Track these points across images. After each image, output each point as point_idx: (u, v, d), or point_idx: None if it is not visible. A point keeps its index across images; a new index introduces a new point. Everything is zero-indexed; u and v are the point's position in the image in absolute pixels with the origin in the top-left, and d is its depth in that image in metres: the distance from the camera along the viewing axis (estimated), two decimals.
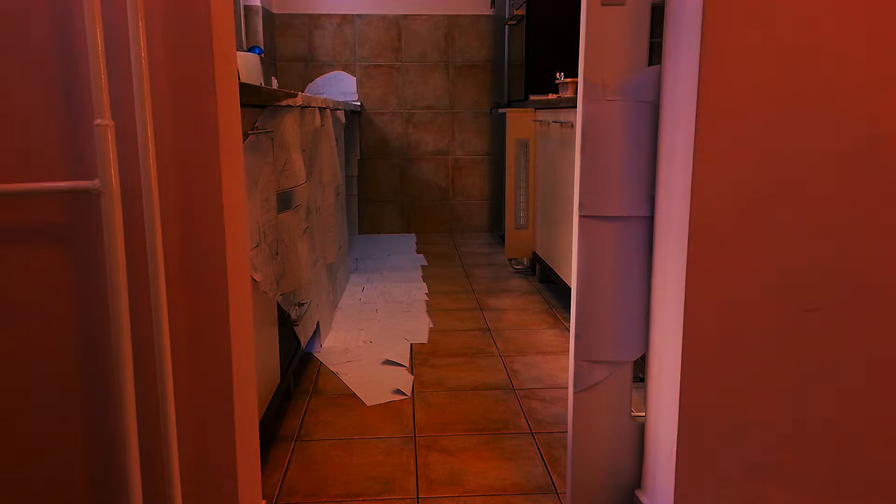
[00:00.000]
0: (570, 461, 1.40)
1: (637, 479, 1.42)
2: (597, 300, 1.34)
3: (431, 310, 2.95)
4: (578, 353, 1.36)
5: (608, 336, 1.35)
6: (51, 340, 1.09)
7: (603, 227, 1.32)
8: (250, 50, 3.37)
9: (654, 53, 1.33)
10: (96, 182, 1.00)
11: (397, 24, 4.56)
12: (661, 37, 1.25)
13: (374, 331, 2.67)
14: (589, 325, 1.35)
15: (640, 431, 1.39)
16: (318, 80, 4.52)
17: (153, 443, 1.12)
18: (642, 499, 1.37)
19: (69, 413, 1.11)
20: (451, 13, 4.56)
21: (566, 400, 2.02)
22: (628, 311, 1.34)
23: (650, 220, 1.32)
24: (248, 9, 3.77)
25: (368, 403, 2.02)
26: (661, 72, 1.26)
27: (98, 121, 0.98)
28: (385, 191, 4.74)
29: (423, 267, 3.77)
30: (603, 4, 1.25)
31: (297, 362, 2.08)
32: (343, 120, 3.10)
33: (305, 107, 2.16)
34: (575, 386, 1.37)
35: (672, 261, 1.21)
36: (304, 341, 2.12)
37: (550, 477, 1.60)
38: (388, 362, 2.35)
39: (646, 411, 1.36)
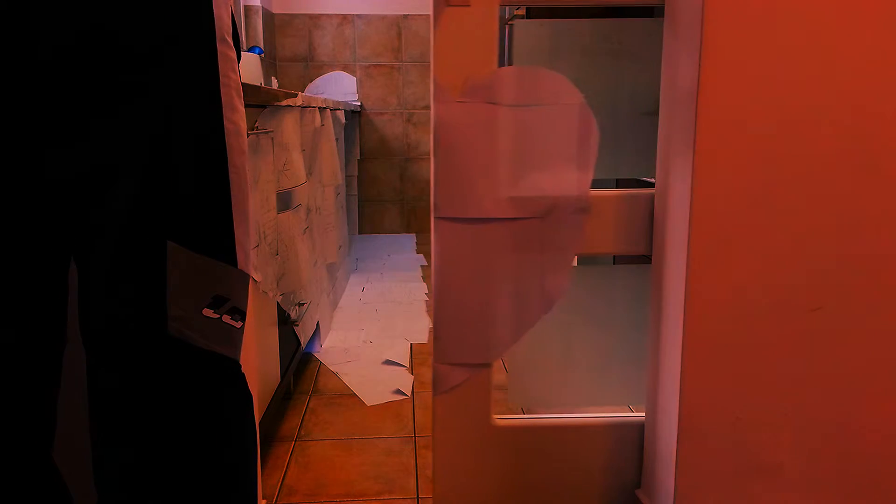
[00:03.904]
0: (434, 464, 1.39)
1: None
2: (454, 302, 1.33)
3: (431, 310, 2.95)
4: (437, 355, 1.35)
5: (466, 338, 1.34)
6: None
7: (458, 228, 1.30)
8: (250, 50, 3.37)
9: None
10: None
11: (397, 24, 4.56)
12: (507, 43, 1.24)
13: (374, 331, 2.67)
14: (446, 328, 1.33)
15: (640, 431, 1.39)
16: (318, 80, 4.52)
17: None
18: (642, 499, 1.37)
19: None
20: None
21: None
22: (487, 313, 1.33)
23: (518, 221, 1.30)
24: (248, 9, 3.77)
25: (368, 403, 2.02)
26: (662, 73, 1.25)
27: None
28: (385, 191, 4.74)
29: (423, 267, 3.77)
30: (448, 5, 1.24)
31: (297, 362, 2.08)
32: (343, 120, 3.10)
33: (305, 107, 2.16)
34: (435, 388, 1.36)
35: (673, 261, 1.21)
36: (304, 341, 2.12)
37: None
38: (388, 362, 2.35)
39: (646, 411, 1.36)
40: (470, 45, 1.25)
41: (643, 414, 1.37)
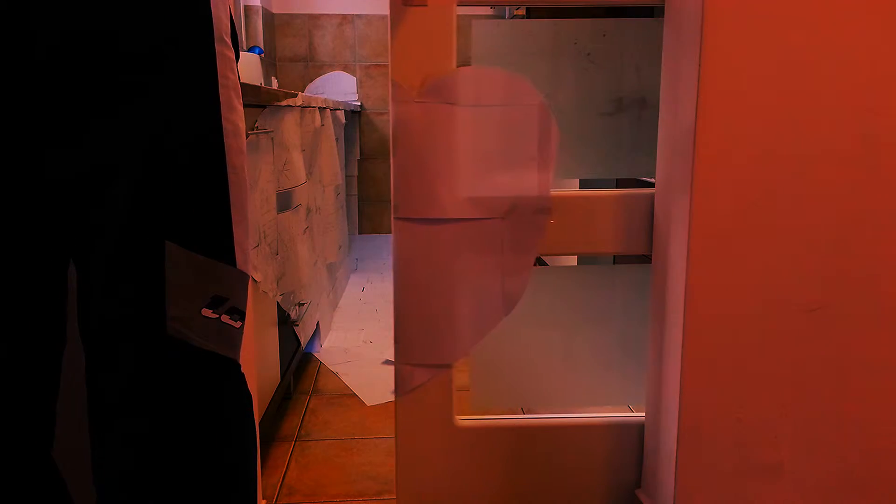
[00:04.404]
0: (397, 466, 1.39)
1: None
2: (415, 303, 1.32)
3: None
4: (399, 355, 1.34)
5: (427, 339, 1.33)
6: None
7: (418, 229, 1.29)
8: (250, 50, 3.37)
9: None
10: None
11: None
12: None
13: (374, 331, 2.67)
14: (407, 328, 1.33)
15: (640, 431, 1.39)
16: (318, 80, 4.52)
17: None
18: (643, 499, 1.37)
19: None
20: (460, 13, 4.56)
21: None
22: (449, 313, 1.33)
23: (478, 221, 1.30)
24: (248, 9, 3.77)
25: (368, 403, 2.03)
26: (665, 74, 1.26)
27: None
28: (385, 191, 4.74)
29: None
30: (405, 4, 1.23)
31: (297, 362, 2.08)
32: (343, 120, 3.10)
33: (305, 107, 2.16)
34: (397, 390, 1.36)
35: (673, 261, 1.21)
36: (304, 341, 2.12)
37: None
38: (389, 362, 2.35)
39: (646, 411, 1.36)
40: (428, 46, 1.24)
41: (643, 414, 1.37)
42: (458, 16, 1.27)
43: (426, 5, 1.23)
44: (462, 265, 1.31)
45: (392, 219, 1.30)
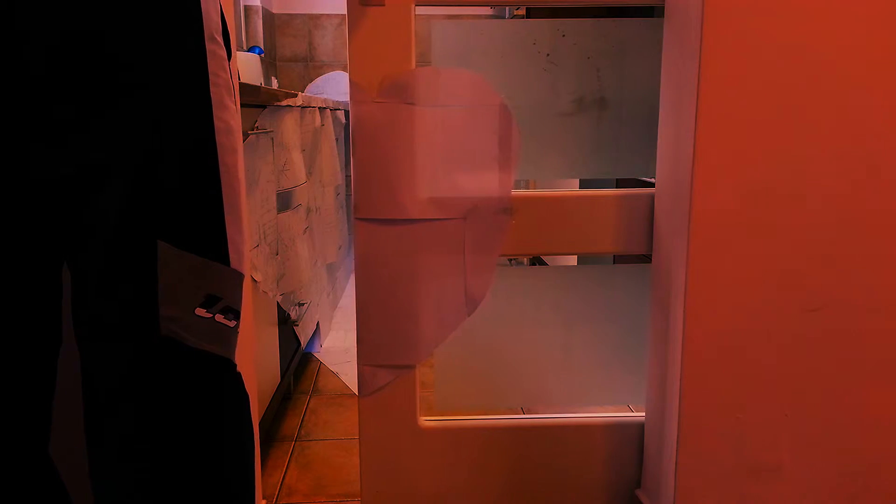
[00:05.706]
0: (361, 468, 1.38)
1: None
2: (377, 303, 1.32)
3: None
4: (362, 357, 1.34)
5: (390, 340, 1.33)
6: None
7: (379, 230, 1.29)
8: (250, 50, 3.37)
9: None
10: None
11: None
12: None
13: None
14: (370, 329, 1.32)
15: (640, 431, 1.39)
16: (318, 80, 4.52)
17: None
18: (642, 499, 1.37)
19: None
20: (450, 13, 4.56)
21: None
22: (411, 314, 1.32)
23: (439, 222, 1.30)
24: (248, 9, 3.77)
25: None
26: (661, 75, 1.26)
27: None
28: None
29: None
30: (362, 4, 1.23)
31: (297, 362, 2.08)
32: (343, 120, 3.10)
33: (305, 107, 2.16)
34: (360, 391, 1.36)
35: (673, 261, 1.21)
36: (304, 341, 2.12)
37: None
38: None
39: (646, 411, 1.36)
40: (386, 45, 1.24)
41: (643, 414, 1.37)
42: (417, 16, 1.27)
43: (384, 5, 1.23)
44: (424, 266, 1.31)
45: (353, 219, 1.30)
